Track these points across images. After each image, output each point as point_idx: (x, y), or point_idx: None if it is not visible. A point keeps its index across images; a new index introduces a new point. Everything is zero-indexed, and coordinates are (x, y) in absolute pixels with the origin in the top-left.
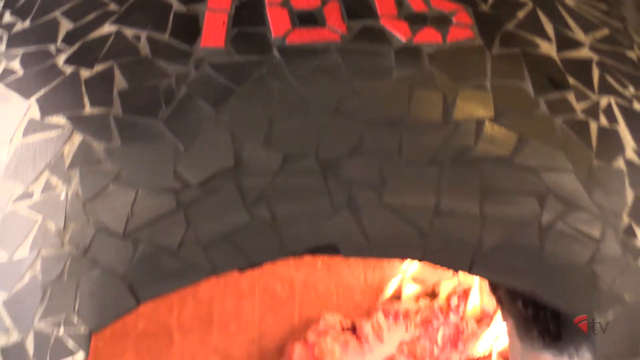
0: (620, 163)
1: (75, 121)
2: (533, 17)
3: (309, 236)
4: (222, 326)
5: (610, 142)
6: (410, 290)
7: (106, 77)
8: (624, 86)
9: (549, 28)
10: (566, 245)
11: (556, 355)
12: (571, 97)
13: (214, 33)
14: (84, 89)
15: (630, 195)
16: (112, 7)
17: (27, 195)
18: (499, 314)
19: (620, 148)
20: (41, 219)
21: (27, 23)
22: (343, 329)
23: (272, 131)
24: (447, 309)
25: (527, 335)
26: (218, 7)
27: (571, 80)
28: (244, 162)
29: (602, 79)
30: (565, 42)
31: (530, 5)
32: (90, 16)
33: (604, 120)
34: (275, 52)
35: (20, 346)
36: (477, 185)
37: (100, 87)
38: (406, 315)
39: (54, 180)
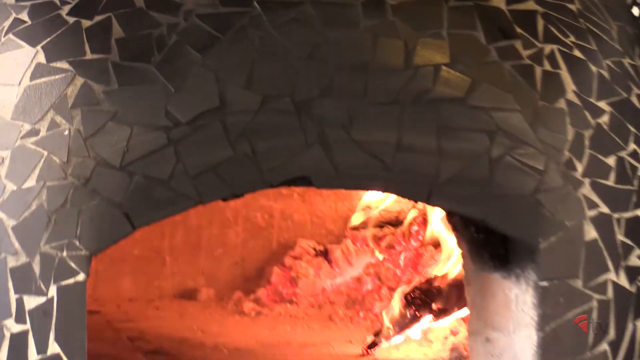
0: (561, 103)
1: (77, 66)
2: None
3: (285, 169)
4: (209, 251)
5: (553, 85)
6: (376, 218)
7: (105, 27)
8: (566, 35)
9: None
10: (513, 176)
11: (505, 276)
12: (518, 45)
13: None
14: (85, 37)
15: (570, 132)
16: None
17: (34, 132)
18: (454, 239)
19: (561, 90)
20: (47, 154)
21: None
22: (316, 254)
23: (252, 75)
24: (408, 236)
25: (479, 259)
26: None
27: (519, 30)
28: (227, 102)
29: (546, 28)
30: None
31: None
32: None
33: (547, 66)
34: (256, 4)
35: (27, 267)
36: (435, 123)
37: (99, 36)
38: (372, 241)
39: (58, 119)
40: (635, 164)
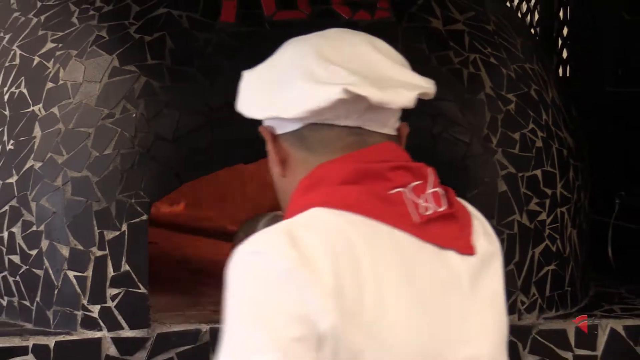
0: (482, 96)
1: (141, 68)
2: (428, 4)
3: None
4: (233, 201)
5: (475, 83)
6: None
7: (161, 41)
8: (484, 47)
9: (437, 11)
10: (448, 147)
11: None
12: (451, 54)
13: (228, 13)
14: (147, 48)
15: (488, 115)
16: None
17: (111, 115)
18: None
19: (481, 86)
20: (120, 130)
21: (110, 6)
22: None
23: None
24: None
25: None
26: None
27: (451, 44)
28: None
29: (470, 42)
30: (447, 20)
31: None
32: (150, 2)
33: (471, 69)
34: (267, 25)
35: (107, 210)
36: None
37: (157, 47)
38: None
39: (128, 105)
40: (534, 138)
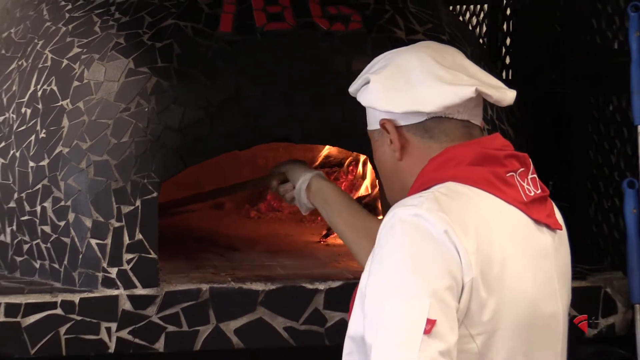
0: None
1: (152, 70)
2: (393, 17)
3: (272, 131)
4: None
5: None
6: (328, 162)
7: (169, 47)
8: None
9: (401, 23)
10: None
11: None
12: None
13: (226, 24)
14: (157, 53)
15: None
16: (172, 10)
17: (127, 109)
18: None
19: None
20: (134, 122)
21: (127, 18)
22: None
23: (255, 76)
24: (347, 172)
25: None
26: (228, 10)
27: None
28: (241, 93)
29: None
30: (409, 31)
31: (391, 11)
32: (160, 14)
33: None
34: (258, 35)
35: (123, 188)
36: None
37: (166, 52)
38: (325, 175)
39: (142, 101)
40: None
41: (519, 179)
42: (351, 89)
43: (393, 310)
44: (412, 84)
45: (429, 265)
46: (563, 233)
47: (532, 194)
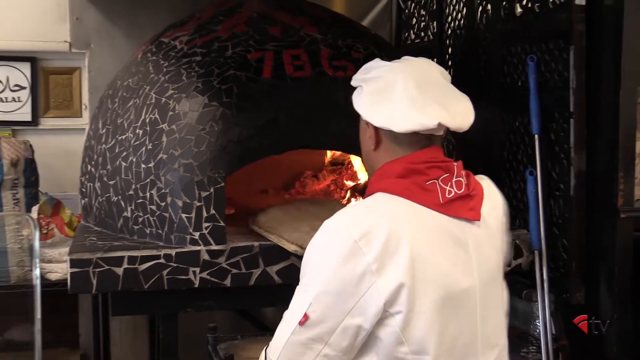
0: None
1: (220, 104)
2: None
3: (293, 141)
4: (265, 177)
5: None
6: (334, 161)
7: (231, 89)
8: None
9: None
10: None
11: None
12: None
13: (267, 72)
14: (223, 93)
15: None
16: (232, 64)
17: (203, 129)
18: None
19: None
20: (208, 137)
21: (203, 70)
22: (312, 175)
23: (286, 106)
24: (347, 168)
25: None
26: (268, 64)
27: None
28: (277, 118)
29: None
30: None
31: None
32: (224, 67)
33: None
34: (288, 80)
35: (202, 181)
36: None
37: (228, 92)
38: (329, 172)
39: (213, 124)
40: None
41: (440, 184)
42: (353, 82)
43: (295, 297)
44: (391, 102)
45: (328, 270)
46: (492, 220)
47: (453, 194)
